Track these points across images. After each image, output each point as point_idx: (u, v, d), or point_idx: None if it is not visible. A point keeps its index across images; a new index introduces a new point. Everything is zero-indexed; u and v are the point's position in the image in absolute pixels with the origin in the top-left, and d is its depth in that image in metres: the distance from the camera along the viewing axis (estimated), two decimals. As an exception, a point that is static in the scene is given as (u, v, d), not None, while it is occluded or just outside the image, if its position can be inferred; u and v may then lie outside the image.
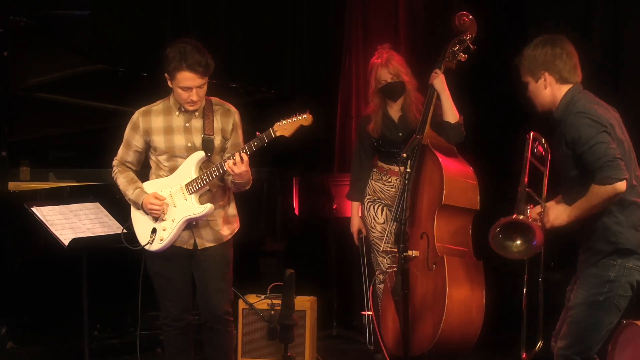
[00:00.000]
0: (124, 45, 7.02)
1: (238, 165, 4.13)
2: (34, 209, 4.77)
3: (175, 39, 4.37)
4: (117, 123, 5.46)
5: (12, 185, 5.47)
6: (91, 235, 4.78)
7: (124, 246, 4.45)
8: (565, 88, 3.86)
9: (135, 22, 7.08)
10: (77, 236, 4.71)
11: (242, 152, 4.18)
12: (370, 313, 5.64)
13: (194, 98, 4.24)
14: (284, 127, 4.14)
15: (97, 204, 5.01)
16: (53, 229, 4.71)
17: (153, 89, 4.82)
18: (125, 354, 5.84)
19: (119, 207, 4.72)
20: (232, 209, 4.51)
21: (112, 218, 4.92)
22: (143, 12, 7.10)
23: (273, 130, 4.15)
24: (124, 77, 5.79)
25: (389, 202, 5.37)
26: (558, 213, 3.80)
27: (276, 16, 7.14)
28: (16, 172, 5.95)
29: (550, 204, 3.87)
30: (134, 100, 5.40)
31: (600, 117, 3.75)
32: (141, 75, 5.97)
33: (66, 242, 4.65)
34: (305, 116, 4.15)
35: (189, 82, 4.21)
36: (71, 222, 4.81)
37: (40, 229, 4.77)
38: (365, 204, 5.52)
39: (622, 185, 3.62)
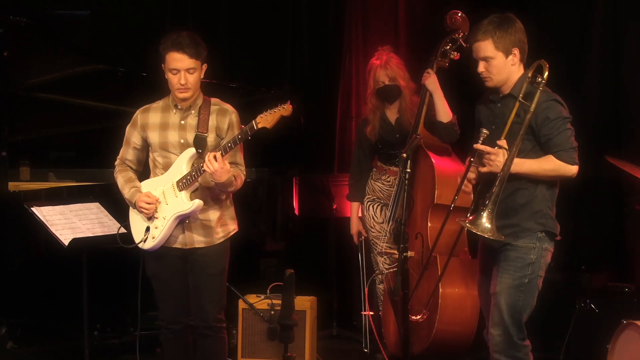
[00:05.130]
0: (124, 45, 7.02)
1: (212, 163, 4.11)
2: (34, 209, 4.77)
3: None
4: (117, 123, 5.46)
5: (12, 185, 5.47)
6: (91, 235, 4.78)
7: (123, 246, 4.44)
8: (522, 67, 4.03)
9: (135, 22, 7.08)
10: (77, 236, 4.71)
11: (219, 151, 4.14)
12: (370, 313, 5.64)
13: (182, 81, 4.23)
14: (266, 119, 4.13)
15: (97, 204, 5.01)
16: (53, 229, 4.70)
17: (153, 89, 4.82)
18: (125, 354, 5.84)
19: (119, 207, 4.72)
20: (230, 211, 4.48)
21: (112, 218, 4.91)
22: (143, 12, 7.10)
23: (255, 122, 4.14)
24: (124, 77, 5.79)
25: (388, 202, 5.37)
26: (515, 161, 3.90)
27: (276, 16, 7.14)
28: (16, 172, 5.95)
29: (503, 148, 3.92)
30: (134, 100, 5.39)
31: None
32: (141, 75, 5.97)
33: (66, 242, 4.65)
34: (285, 106, 4.15)
35: (177, 63, 4.21)
36: (71, 222, 4.81)
37: (40, 229, 4.77)
38: (365, 203, 5.53)
39: (577, 170, 3.96)
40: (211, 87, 4.39)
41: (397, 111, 5.41)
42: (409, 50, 6.53)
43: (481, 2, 6.12)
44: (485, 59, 3.97)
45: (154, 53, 4.39)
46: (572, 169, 3.95)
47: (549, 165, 3.93)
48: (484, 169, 3.94)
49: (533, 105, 3.88)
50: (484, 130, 3.94)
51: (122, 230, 4.46)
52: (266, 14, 7.12)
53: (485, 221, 3.86)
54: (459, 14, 5.10)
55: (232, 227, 4.48)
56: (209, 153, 4.17)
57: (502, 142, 3.89)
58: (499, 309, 3.97)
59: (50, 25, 5.53)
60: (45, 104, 5.71)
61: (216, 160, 4.11)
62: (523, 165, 3.92)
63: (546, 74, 3.89)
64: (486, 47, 3.97)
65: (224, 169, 4.14)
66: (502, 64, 3.97)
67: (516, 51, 3.97)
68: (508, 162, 3.87)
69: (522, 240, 3.99)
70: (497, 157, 3.89)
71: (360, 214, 5.62)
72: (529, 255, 3.98)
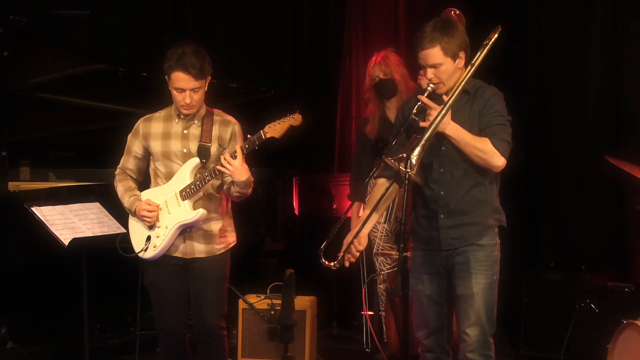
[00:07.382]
0: (124, 45, 7.03)
1: (229, 162, 4.10)
2: (34, 209, 4.77)
3: (175, 39, 4.37)
4: (117, 123, 5.48)
5: (12, 185, 5.47)
6: (91, 235, 4.78)
7: (122, 247, 4.44)
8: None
9: (135, 22, 7.09)
10: (77, 236, 4.71)
11: (234, 151, 4.15)
12: (370, 313, 5.64)
13: (187, 101, 4.22)
14: (274, 129, 4.13)
15: (97, 204, 5.01)
16: (53, 229, 4.70)
17: (153, 89, 4.82)
18: (125, 354, 5.85)
19: (119, 207, 4.72)
20: (229, 223, 4.47)
21: (112, 218, 4.91)
22: (143, 12, 7.10)
23: (263, 132, 4.13)
24: (124, 77, 5.79)
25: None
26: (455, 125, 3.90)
27: (276, 16, 7.14)
28: (16, 172, 5.95)
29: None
30: (134, 101, 5.40)
31: None
32: (141, 75, 5.97)
33: (66, 242, 4.65)
34: (294, 116, 4.15)
35: (182, 84, 4.20)
36: (71, 222, 4.81)
37: (40, 229, 4.77)
38: (367, 203, 5.52)
39: (503, 164, 3.92)
40: (211, 86, 4.38)
41: (396, 110, 5.40)
42: (409, 51, 6.52)
43: (481, 2, 6.14)
44: (434, 66, 3.93)
45: (154, 53, 4.39)
46: (499, 161, 3.89)
47: (481, 144, 3.88)
48: (423, 124, 3.89)
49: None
50: (432, 85, 3.92)
51: (119, 240, 4.44)
52: (266, 14, 7.13)
53: (414, 160, 3.79)
54: (454, 12, 5.02)
55: (232, 239, 4.48)
56: (222, 154, 4.15)
57: (445, 97, 3.89)
58: (476, 310, 3.97)
59: (50, 25, 5.53)
60: (45, 104, 5.71)
61: (234, 158, 4.10)
62: (459, 131, 3.88)
63: (495, 36, 3.98)
64: (435, 55, 3.92)
65: (244, 167, 4.14)
66: (451, 69, 3.94)
67: (462, 54, 3.95)
68: (440, 116, 3.84)
69: (485, 238, 4.00)
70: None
71: (361, 214, 5.61)
72: (494, 252, 4.01)
